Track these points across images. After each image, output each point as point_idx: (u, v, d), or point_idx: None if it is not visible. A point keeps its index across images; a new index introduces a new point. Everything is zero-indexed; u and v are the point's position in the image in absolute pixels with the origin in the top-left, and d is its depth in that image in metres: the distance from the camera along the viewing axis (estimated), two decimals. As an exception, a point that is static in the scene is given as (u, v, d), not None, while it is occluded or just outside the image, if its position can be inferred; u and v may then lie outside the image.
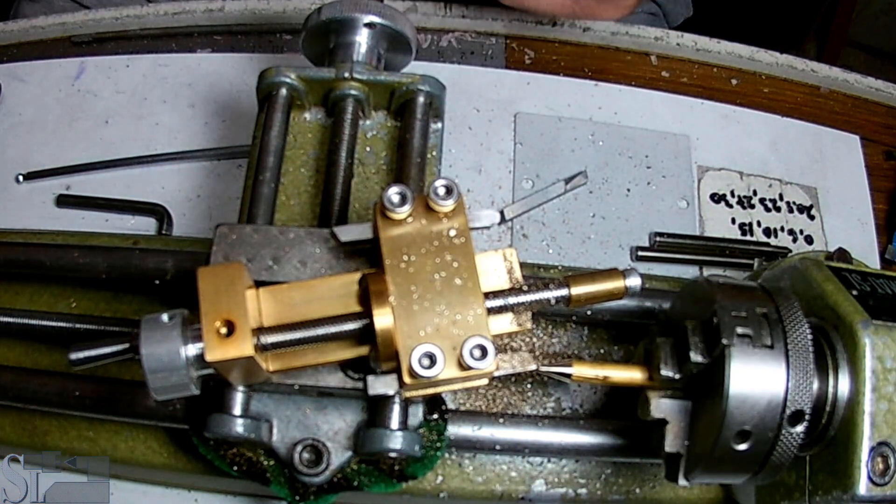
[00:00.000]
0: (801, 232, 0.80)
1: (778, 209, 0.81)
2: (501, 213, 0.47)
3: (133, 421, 0.54)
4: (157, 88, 0.80)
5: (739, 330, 0.42)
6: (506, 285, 0.45)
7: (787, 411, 0.42)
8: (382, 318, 0.41)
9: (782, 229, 0.80)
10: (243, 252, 0.47)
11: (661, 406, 0.47)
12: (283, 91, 0.56)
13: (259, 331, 0.41)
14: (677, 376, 0.45)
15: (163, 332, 0.39)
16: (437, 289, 0.43)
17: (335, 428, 0.49)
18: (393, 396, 0.47)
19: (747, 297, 0.45)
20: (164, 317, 0.40)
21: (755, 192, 0.81)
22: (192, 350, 0.39)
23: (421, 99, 0.57)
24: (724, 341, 0.42)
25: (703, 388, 0.45)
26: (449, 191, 0.44)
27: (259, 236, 0.48)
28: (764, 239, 0.79)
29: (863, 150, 0.86)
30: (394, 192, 0.44)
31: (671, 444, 0.46)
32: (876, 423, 0.44)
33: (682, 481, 0.46)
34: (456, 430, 0.52)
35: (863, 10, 1.56)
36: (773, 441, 0.42)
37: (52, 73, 0.79)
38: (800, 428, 0.42)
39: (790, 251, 0.78)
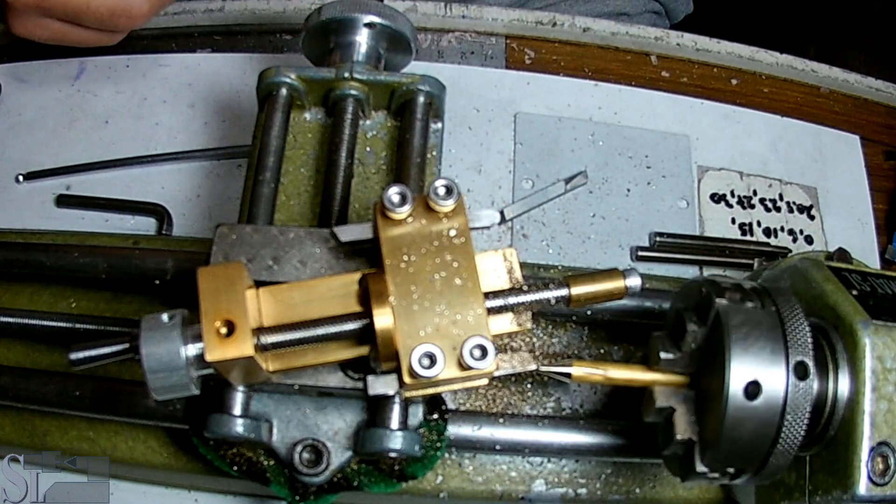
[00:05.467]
0: (801, 232, 0.80)
1: (778, 209, 0.81)
2: (501, 213, 0.47)
3: (133, 421, 0.54)
4: (157, 88, 0.80)
5: (731, 295, 0.43)
6: (506, 285, 0.45)
7: (791, 361, 0.42)
8: (382, 318, 0.41)
9: (782, 229, 0.80)
10: (243, 252, 0.47)
11: (667, 393, 0.46)
12: (283, 91, 0.56)
13: (259, 331, 0.41)
14: (677, 354, 0.45)
15: (163, 332, 0.39)
16: (437, 289, 0.43)
17: (335, 428, 0.49)
18: (393, 396, 0.47)
19: (740, 286, 0.45)
20: (164, 317, 0.40)
21: (755, 192, 0.81)
22: (192, 350, 0.39)
23: (421, 99, 0.57)
24: (717, 301, 0.43)
25: (706, 369, 0.45)
26: (449, 191, 0.44)
27: (259, 236, 0.48)
28: (764, 239, 0.79)
29: (863, 150, 0.86)
30: (394, 192, 0.44)
31: (683, 430, 0.45)
32: (876, 423, 0.44)
33: (700, 467, 0.44)
34: (456, 430, 0.52)
35: (863, 10, 1.56)
36: (785, 394, 0.41)
37: (52, 73, 0.79)
38: (808, 381, 0.42)
39: (790, 251, 0.78)
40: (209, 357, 0.39)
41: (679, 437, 0.45)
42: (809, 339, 0.43)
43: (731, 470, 0.44)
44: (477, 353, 0.41)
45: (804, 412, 0.42)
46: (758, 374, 0.41)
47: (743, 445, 0.43)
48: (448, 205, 0.44)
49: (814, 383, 0.42)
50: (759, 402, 0.41)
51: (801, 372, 0.42)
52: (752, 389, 0.41)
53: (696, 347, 0.45)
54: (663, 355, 0.46)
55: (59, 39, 0.68)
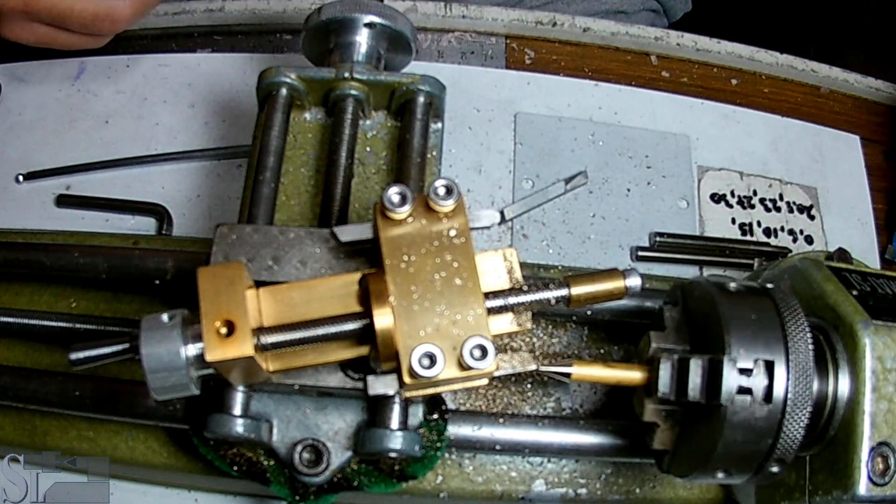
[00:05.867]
0: (801, 232, 0.80)
1: (778, 209, 0.81)
2: (501, 213, 0.47)
3: (133, 421, 0.53)
4: (157, 88, 0.80)
5: (742, 383, 0.42)
6: (506, 285, 0.45)
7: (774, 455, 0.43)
8: (382, 318, 0.41)
9: (782, 229, 0.80)
10: (243, 252, 0.47)
11: (654, 412, 0.47)
12: (283, 91, 0.56)
13: (259, 331, 0.41)
14: (673, 398, 0.45)
15: (163, 332, 0.39)
16: (438, 289, 0.43)
17: (335, 428, 0.49)
18: (393, 396, 0.47)
19: (749, 302, 0.45)
20: (164, 317, 0.40)
21: (755, 192, 0.81)
22: (192, 350, 0.39)
23: (421, 99, 0.57)
24: (724, 402, 0.42)
25: (698, 410, 0.45)
26: (449, 191, 0.44)
27: (259, 236, 0.48)
28: (764, 239, 0.79)
29: (863, 150, 0.86)
30: (394, 192, 0.44)
31: (659, 442, 0.47)
32: (876, 423, 0.44)
33: (732, 358, 0.44)
34: (456, 430, 0.52)
35: (863, 9, 1.56)
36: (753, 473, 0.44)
37: (52, 73, 0.79)
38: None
39: (790, 251, 0.78)
40: (209, 357, 0.39)
41: (654, 447, 0.47)
42: (814, 388, 0.43)
43: (763, 359, 0.42)
44: (477, 353, 0.41)
45: (791, 453, 0.43)
46: (735, 466, 0.44)
47: (750, 327, 0.43)
48: (448, 205, 0.44)
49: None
50: (727, 478, 0.45)
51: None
52: (727, 472, 0.44)
53: (676, 325, 0.47)
54: (662, 390, 0.45)
55: (46, 43, 0.69)
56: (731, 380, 0.42)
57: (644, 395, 0.48)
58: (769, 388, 0.42)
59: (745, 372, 0.42)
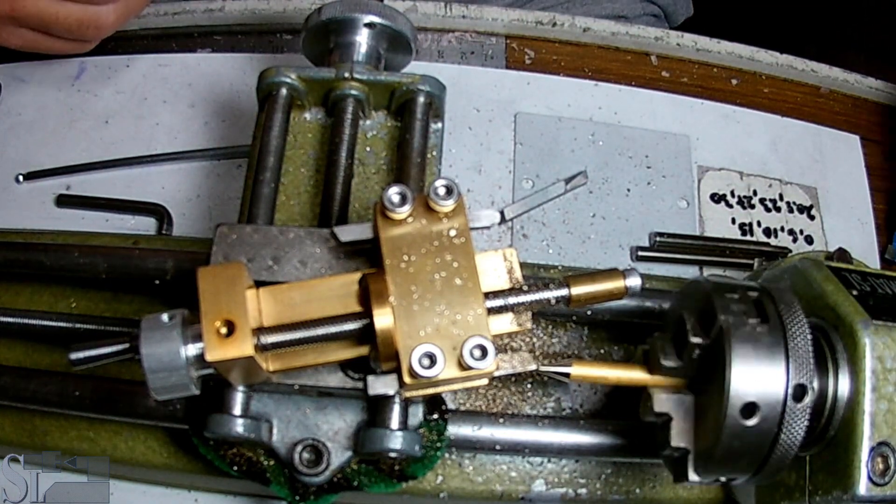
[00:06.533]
0: (801, 232, 0.80)
1: (778, 209, 0.81)
2: (501, 213, 0.47)
3: (133, 421, 0.54)
4: (157, 88, 0.80)
5: (735, 307, 0.42)
6: (506, 285, 0.45)
7: (791, 383, 0.41)
8: (382, 318, 0.41)
9: (782, 229, 0.80)
10: (243, 252, 0.47)
11: (664, 401, 0.46)
12: (283, 91, 0.56)
13: (259, 331, 0.41)
14: (678, 363, 0.45)
15: (163, 332, 0.39)
16: (437, 289, 0.43)
17: (335, 428, 0.49)
18: (393, 396, 0.47)
19: (745, 295, 0.45)
20: (164, 317, 0.40)
21: (755, 192, 0.81)
22: (192, 350, 0.39)
23: (421, 99, 0.57)
24: (721, 318, 0.42)
25: (706, 377, 0.44)
26: (449, 191, 0.44)
27: (259, 236, 0.48)
28: (764, 239, 0.79)
29: (863, 150, 0.86)
30: (394, 192, 0.44)
31: (677, 438, 0.45)
32: (876, 423, 0.44)
33: (692, 476, 0.44)
34: (456, 430, 0.52)
35: (862, 10, 1.56)
36: (780, 416, 0.41)
37: (52, 73, 0.79)
38: (806, 401, 0.41)
39: (790, 251, 0.78)
40: (209, 357, 0.39)
41: (674, 444, 0.45)
42: (811, 360, 0.42)
43: (722, 479, 0.44)
44: (477, 353, 0.41)
45: (800, 431, 0.42)
46: (756, 396, 0.41)
47: (736, 460, 0.43)
48: (448, 205, 0.44)
49: (808, 402, 0.42)
50: (755, 422, 0.41)
51: (798, 394, 0.41)
52: (749, 410, 0.41)
53: (697, 359, 0.45)
54: (665, 363, 0.45)
55: (32, 47, 0.70)
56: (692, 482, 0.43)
57: (646, 367, 0.47)
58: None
59: (707, 480, 0.43)
